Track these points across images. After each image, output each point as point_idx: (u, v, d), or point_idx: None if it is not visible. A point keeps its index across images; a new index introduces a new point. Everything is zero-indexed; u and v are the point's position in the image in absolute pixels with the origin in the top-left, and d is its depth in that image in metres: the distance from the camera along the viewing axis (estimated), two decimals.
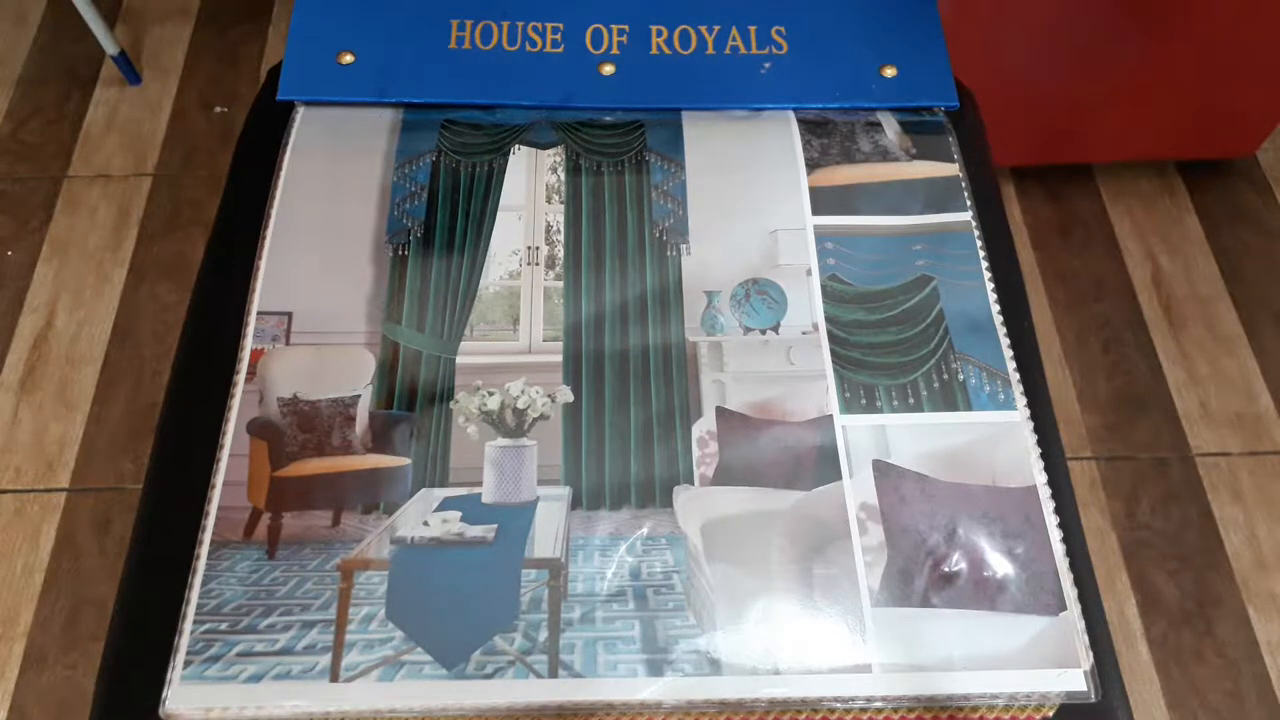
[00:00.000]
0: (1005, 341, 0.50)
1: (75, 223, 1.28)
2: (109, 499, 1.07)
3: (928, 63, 0.60)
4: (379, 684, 0.41)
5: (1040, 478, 0.46)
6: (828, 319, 0.51)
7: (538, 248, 0.53)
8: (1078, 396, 1.15)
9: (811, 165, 0.56)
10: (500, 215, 0.54)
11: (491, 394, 0.48)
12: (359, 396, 0.48)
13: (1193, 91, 1.15)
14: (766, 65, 0.60)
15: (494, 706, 0.41)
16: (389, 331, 0.50)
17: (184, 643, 0.41)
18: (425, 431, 0.47)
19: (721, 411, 0.48)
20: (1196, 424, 1.13)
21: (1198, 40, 1.07)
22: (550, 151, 0.57)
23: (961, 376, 0.49)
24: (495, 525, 0.45)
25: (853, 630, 0.42)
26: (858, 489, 0.46)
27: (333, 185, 0.55)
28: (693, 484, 0.46)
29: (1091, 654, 0.42)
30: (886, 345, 0.50)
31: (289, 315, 0.50)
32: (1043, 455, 0.47)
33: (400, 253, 0.53)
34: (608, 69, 0.60)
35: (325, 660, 0.41)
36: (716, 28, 0.61)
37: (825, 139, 0.57)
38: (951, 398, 0.48)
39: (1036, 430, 0.48)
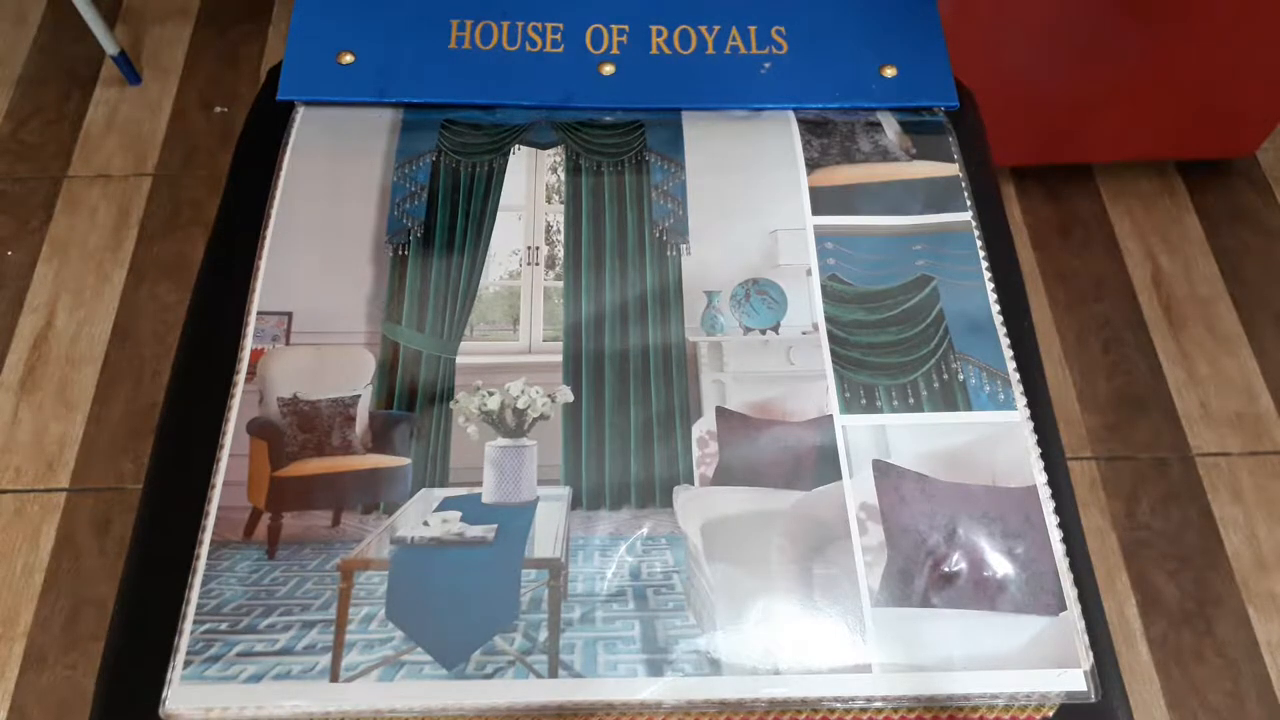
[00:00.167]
0: (1005, 341, 0.50)
1: (75, 223, 1.28)
2: (109, 499, 1.07)
3: (928, 63, 0.60)
4: (379, 684, 0.41)
5: (1040, 478, 0.46)
6: (828, 319, 0.51)
7: (538, 248, 0.53)
8: (1078, 396, 1.15)
9: (811, 165, 0.56)
10: (500, 215, 0.54)
11: (491, 394, 0.48)
12: (359, 396, 0.48)
13: (1193, 91, 1.15)
14: (766, 65, 0.60)
15: (494, 706, 0.41)
16: (389, 331, 0.50)
17: (184, 643, 0.41)
18: (425, 431, 0.47)
19: (721, 411, 0.48)
20: (1196, 424, 1.13)
21: (1198, 40, 1.07)
22: (550, 151, 0.57)
23: (961, 376, 0.49)
24: (495, 525, 0.45)
25: (853, 630, 0.42)
26: (858, 489, 0.46)
27: (333, 185, 0.55)
28: (693, 484, 0.46)
29: (1091, 654, 0.42)
30: (886, 345, 0.50)
31: (289, 315, 0.50)
32: (1043, 455, 0.47)
33: (400, 253, 0.53)
34: (608, 69, 0.60)
35: (325, 660, 0.41)
36: (716, 28, 0.61)
37: (825, 139, 0.57)
38: (951, 398, 0.48)
39: (1036, 430, 0.48)
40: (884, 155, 0.56)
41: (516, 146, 0.57)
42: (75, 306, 1.21)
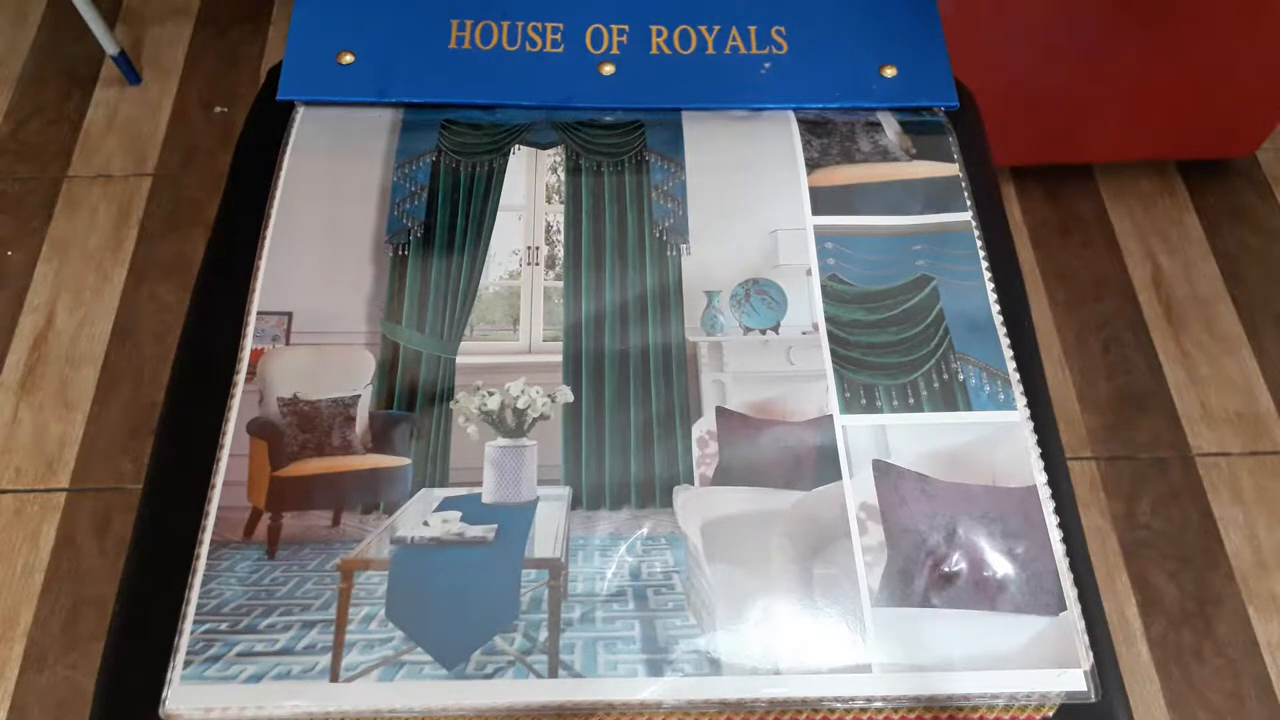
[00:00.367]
0: (1005, 341, 0.50)
1: (75, 223, 1.28)
2: (109, 499, 1.07)
3: (928, 63, 0.60)
4: (379, 684, 0.41)
5: (1040, 478, 0.46)
6: (828, 319, 0.51)
7: (538, 248, 0.53)
8: (1078, 396, 1.15)
9: (811, 165, 0.56)
10: (500, 215, 0.54)
11: (491, 394, 0.48)
12: (359, 396, 0.48)
13: (1193, 91, 1.15)
14: (766, 65, 0.60)
15: (494, 706, 0.41)
16: (389, 331, 0.50)
17: (184, 643, 0.41)
18: (425, 431, 0.47)
19: (721, 411, 0.48)
20: (1196, 424, 1.13)
21: (1198, 40, 1.07)
22: (550, 151, 0.57)
23: (961, 376, 0.49)
24: (495, 525, 0.45)
25: (853, 630, 0.42)
26: (858, 489, 0.46)
27: (333, 185, 0.55)
28: (693, 484, 0.46)
29: (1091, 654, 0.42)
30: (886, 345, 0.50)
31: (289, 315, 0.50)
32: (1043, 455, 0.47)
33: (400, 253, 0.53)
34: (608, 69, 0.60)
35: (325, 660, 0.41)
36: (716, 28, 0.61)
37: (825, 139, 0.57)
38: (951, 398, 0.48)
39: (1036, 430, 0.48)
40: (884, 155, 0.56)
41: (516, 146, 0.57)
42: (75, 306, 1.21)
